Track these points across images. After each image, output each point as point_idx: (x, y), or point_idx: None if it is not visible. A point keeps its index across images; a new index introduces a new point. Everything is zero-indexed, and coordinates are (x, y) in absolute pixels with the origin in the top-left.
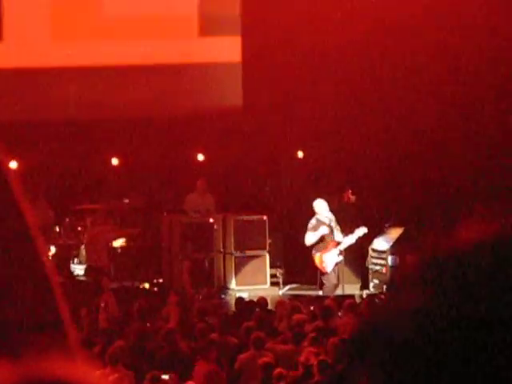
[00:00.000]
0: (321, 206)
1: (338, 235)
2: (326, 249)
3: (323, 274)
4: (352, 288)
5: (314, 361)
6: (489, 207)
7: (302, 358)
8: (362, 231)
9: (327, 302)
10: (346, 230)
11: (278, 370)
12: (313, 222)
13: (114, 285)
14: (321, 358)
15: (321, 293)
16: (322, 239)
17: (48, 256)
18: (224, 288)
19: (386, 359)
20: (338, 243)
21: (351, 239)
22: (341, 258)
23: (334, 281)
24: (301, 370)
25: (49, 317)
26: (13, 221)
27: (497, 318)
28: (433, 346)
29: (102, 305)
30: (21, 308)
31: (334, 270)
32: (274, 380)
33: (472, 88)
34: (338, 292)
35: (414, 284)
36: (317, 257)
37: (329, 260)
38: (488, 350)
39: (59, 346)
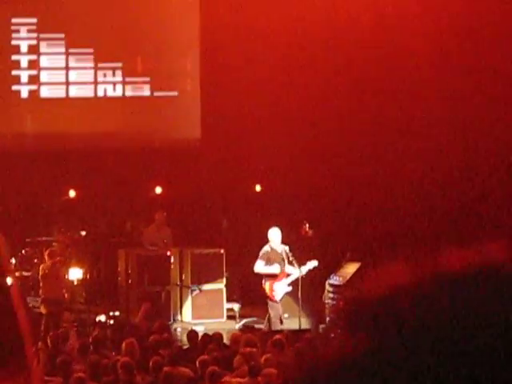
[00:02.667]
0: (274, 235)
1: (288, 267)
2: (276, 278)
3: (272, 301)
4: (308, 322)
5: None
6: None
7: None
8: (312, 264)
9: (278, 336)
10: (302, 264)
11: None
12: (266, 248)
13: (71, 317)
14: None
15: (273, 327)
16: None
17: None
18: (180, 321)
19: None
20: (289, 274)
21: (301, 271)
22: (290, 288)
23: (280, 311)
24: None
25: (13, 349)
26: None
27: (427, 366)
28: None
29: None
30: None
31: (283, 300)
32: None
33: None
34: (295, 326)
35: (341, 330)
36: (267, 285)
37: (279, 289)
38: None
39: (23, 379)
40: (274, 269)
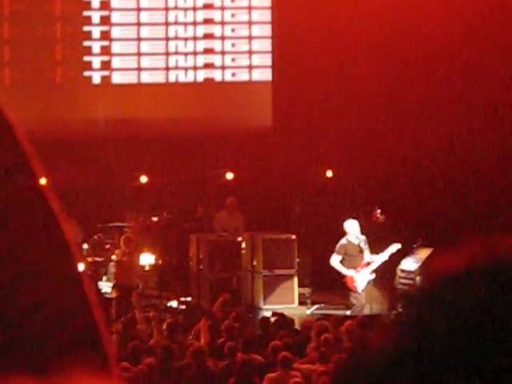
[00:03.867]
0: (352, 227)
1: (367, 255)
2: (356, 269)
3: (354, 292)
4: (380, 308)
5: None
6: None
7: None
8: (395, 247)
9: (349, 322)
10: (375, 250)
11: None
12: (342, 242)
13: (143, 303)
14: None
15: (348, 313)
16: (352, 259)
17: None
18: (252, 307)
19: None
20: (369, 263)
21: (384, 256)
22: (373, 276)
23: (363, 301)
24: None
25: (87, 334)
26: (50, 230)
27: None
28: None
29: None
30: (53, 324)
31: (363, 289)
32: None
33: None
34: (367, 312)
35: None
36: (348, 276)
37: (360, 279)
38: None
39: (94, 365)
40: (348, 272)
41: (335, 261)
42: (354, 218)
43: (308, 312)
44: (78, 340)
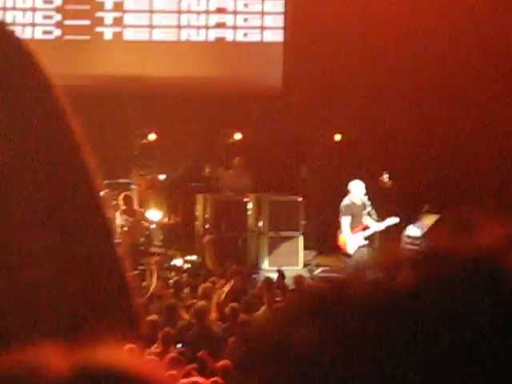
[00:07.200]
0: (356, 188)
1: (368, 219)
2: (352, 230)
3: (344, 254)
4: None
5: None
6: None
7: None
8: (392, 221)
9: None
10: (379, 215)
11: None
12: (346, 203)
13: (151, 260)
14: None
15: None
16: (358, 220)
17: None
18: (256, 268)
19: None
20: (366, 227)
21: (379, 226)
22: (366, 242)
23: (353, 264)
24: None
25: (118, 298)
26: (83, 194)
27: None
28: None
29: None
30: (87, 288)
31: (357, 253)
32: None
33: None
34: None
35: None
36: (341, 236)
37: (352, 242)
38: None
39: (123, 332)
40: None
41: (346, 223)
42: (359, 178)
43: (314, 274)
44: (109, 304)
